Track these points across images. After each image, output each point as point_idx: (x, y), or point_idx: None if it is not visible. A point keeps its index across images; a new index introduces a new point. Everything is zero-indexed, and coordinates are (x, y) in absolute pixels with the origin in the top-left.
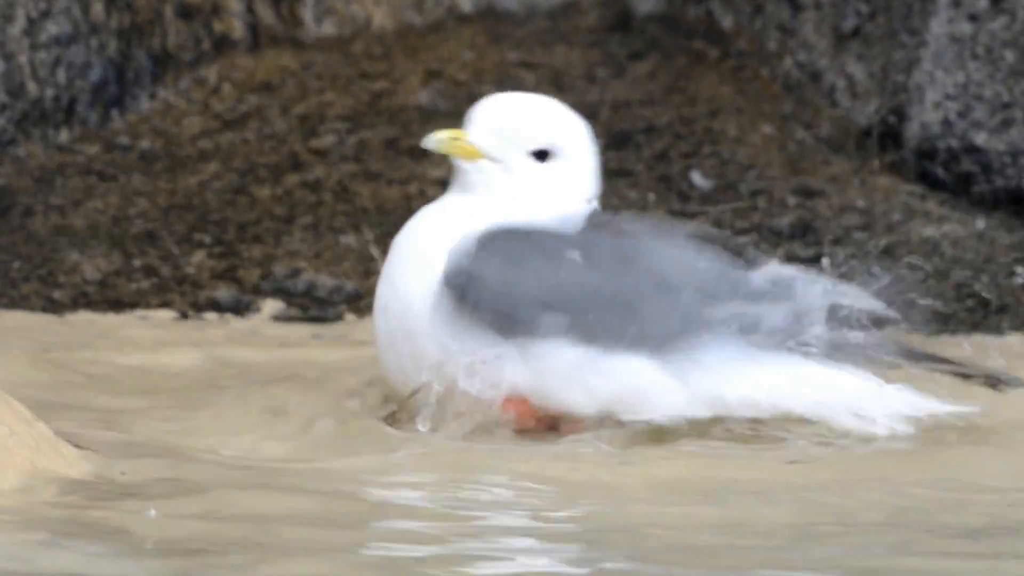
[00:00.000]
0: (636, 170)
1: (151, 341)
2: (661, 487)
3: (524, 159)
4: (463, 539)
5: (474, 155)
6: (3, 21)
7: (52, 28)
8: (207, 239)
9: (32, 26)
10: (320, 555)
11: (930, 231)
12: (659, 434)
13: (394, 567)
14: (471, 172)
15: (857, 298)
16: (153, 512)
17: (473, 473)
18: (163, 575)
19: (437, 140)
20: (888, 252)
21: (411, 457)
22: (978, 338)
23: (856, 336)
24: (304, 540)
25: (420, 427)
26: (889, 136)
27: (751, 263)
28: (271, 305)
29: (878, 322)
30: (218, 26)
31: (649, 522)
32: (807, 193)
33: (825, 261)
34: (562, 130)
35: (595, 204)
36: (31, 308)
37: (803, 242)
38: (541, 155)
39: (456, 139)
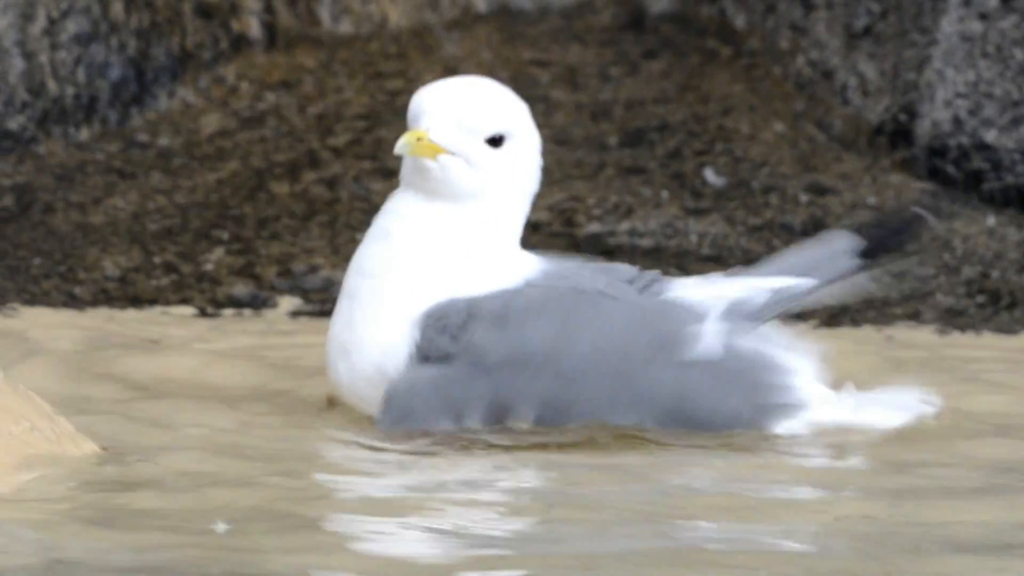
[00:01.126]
0: (649, 167)
1: (172, 337)
2: None
3: (483, 148)
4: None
5: (438, 152)
6: (24, 20)
7: (72, 27)
8: (225, 236)
9: (52, 25)
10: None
11: (940, 228)
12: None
13: None
14: (434, 170)
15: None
16: (222, 526)
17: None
18: (180, 565)
19: (404, 145)
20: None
21: None
22: (988, 336)
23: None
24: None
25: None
26: (900, 134)
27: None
28: (288, 301)
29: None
30: (236, 25)
31: None
32: (819, 190)
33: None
34: (511, 112)
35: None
36: (52, 304)
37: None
38: (496, 141)
39: (420, 139)
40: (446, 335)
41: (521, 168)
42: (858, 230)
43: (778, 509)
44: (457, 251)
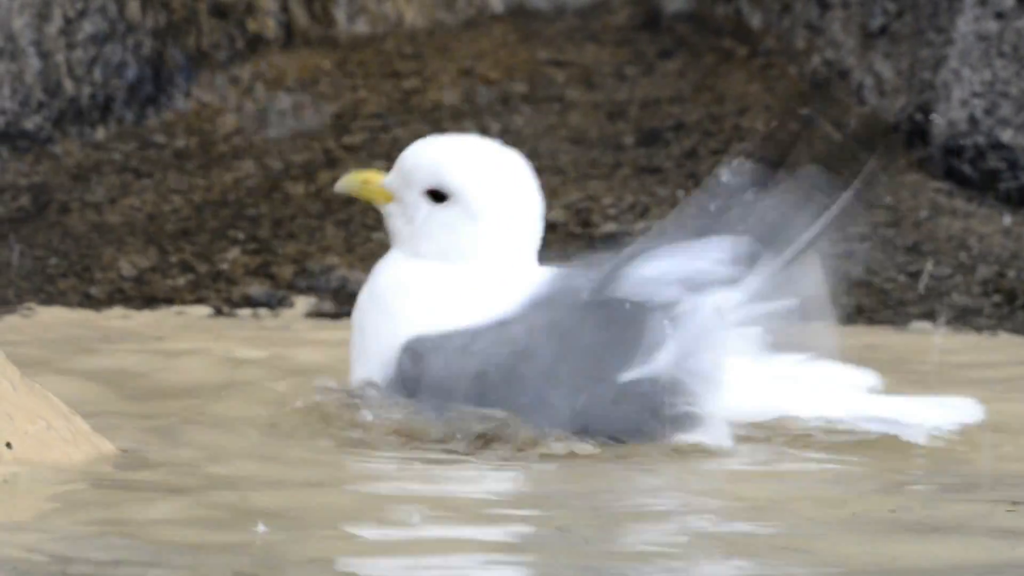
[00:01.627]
0: (665, 167)
1: (186, 337)
2: None
3: (421, 200)
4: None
5: (384, 197)
6: (40, 20)
7: (88, 27)
8: (241, 236)
9: (69, 25)
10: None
11: (957, 227)
12: None
13: None
14: (386, 216)
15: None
16: (263, 527)
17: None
18: (200, 566)
19: (346, 182)
20: (915, 248)
21: None
22: (1005, 336)
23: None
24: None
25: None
26: (916, 133)
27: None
28: (304, 301)
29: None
30: (252, 25)
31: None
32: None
33: None
34: (459, 171)
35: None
36: (68, 304)
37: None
38: (438, 197)
39: (367, 181)
40: (411, 364)
41: (475, 233)
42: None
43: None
44: (434, 293)
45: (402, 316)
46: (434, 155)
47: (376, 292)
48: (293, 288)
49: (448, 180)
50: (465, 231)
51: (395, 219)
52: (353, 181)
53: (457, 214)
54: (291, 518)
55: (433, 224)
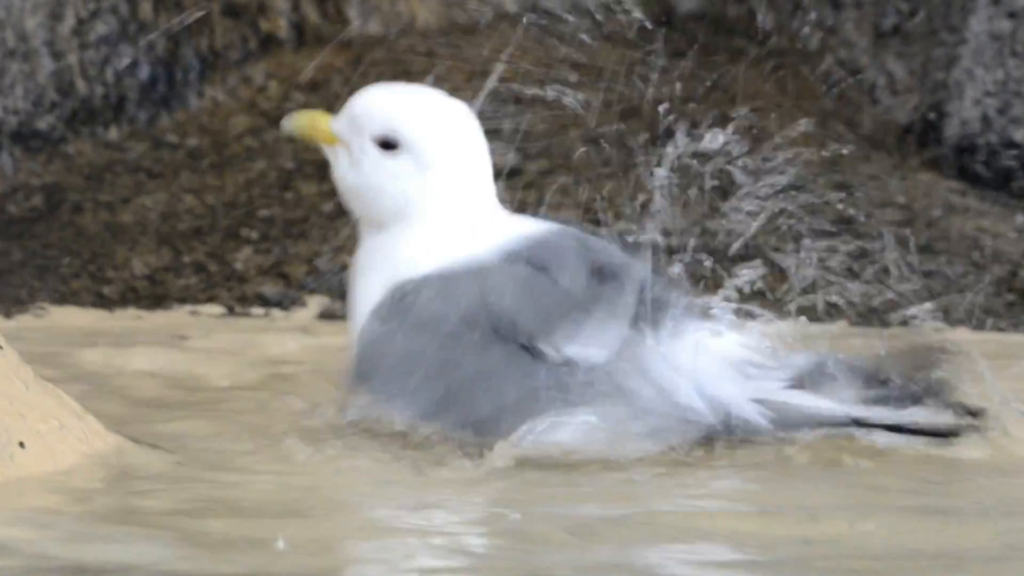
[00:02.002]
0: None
1: (200, 336)
2: None
3: (371, 148)
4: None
5: (330, 139)
6: (53, 21)
7: (101, 28)
8: (254, 235)
9: (81, 26)
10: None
11: (970, 226)
12: None
13: None
14: (330, 158)
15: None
16: (282, 543)
17: None
18: (216, 566)
19: (293, 123)
20: (928, 247)
21: None
22: (1017, 336)
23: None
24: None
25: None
26: (929, 132)
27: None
28: (317, 301)
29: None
30: (264, 25)
31: None
32: (848, 189)
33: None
34: (412, 121)
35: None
36: (81, 304)
37: (844, 238)
38: (388, 145)
39: (314, 123)
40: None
41: (418, 180)
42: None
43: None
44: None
45: (383, 269)
46: (386, 104)
47: (356, 262)
48: (305, 288)
49: (400, 130)
50: (415, 181)
51: (340, 163)
52: (300, 122)
53: (407, 163)
54: (307, 519)
55: (381, 172)
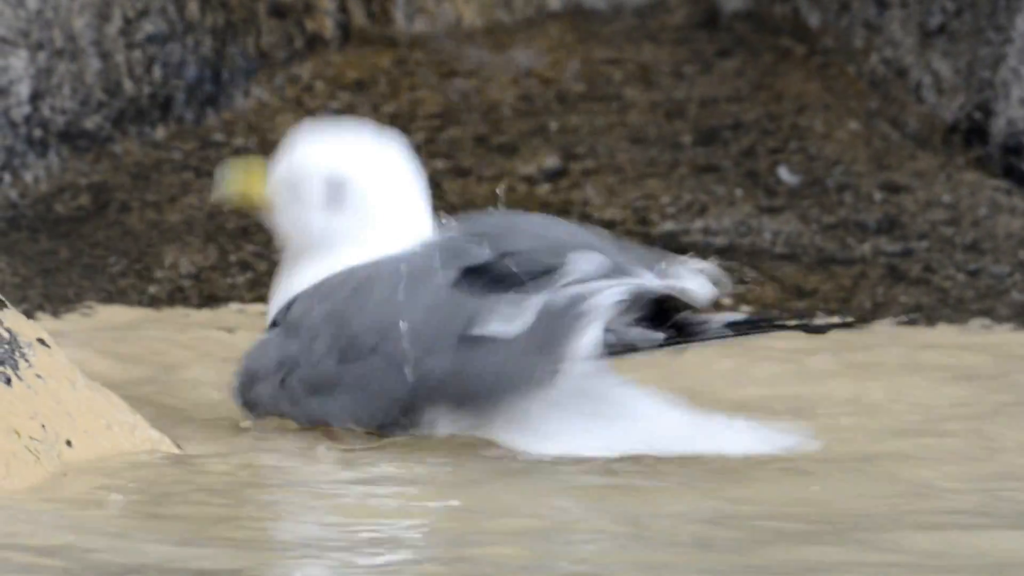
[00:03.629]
0: (724, 166)
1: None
2: None
3: (310, 207)
4: None
5: (267, 206)
6: (100, 21)
7: (148, 27)
8: None
9: (128, 26)
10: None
11: (1016, 225)
12: None
13: None
14: (272, 226)
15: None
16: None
17: None
18: (262, 570)
19: (226, 187)
20: (974, 246)
21: None
22: None
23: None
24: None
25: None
26: (975, 132)
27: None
28: None
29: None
30: (311, 25)
31: None
32: (893, 188)
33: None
34: (351, 164)
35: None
36: (128, 303)
37: (889, 237)
38: (330, 198)
39: (246, 189)
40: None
41: (359, 221)
42: None
43: None
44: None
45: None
46: (320, 154)
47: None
48: None
49: (344, 180)
50: (355, 223)
51: (281, 230)
52: (234, 188)
53: (358, 213)
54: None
55: (330, 229)
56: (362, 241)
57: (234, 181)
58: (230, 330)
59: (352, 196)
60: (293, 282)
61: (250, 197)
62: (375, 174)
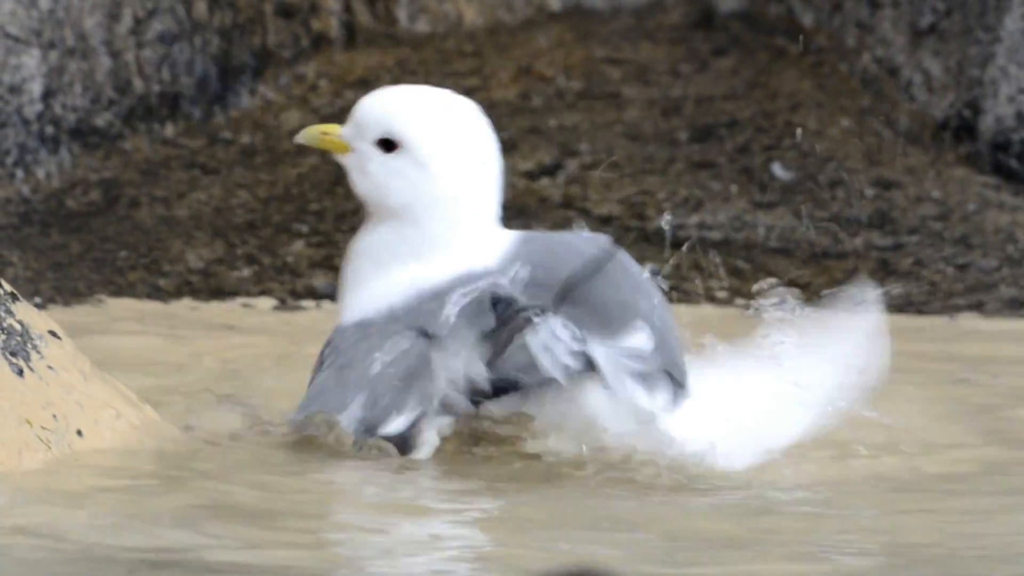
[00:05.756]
0: (719, 162)
1: (253, 327)
2: None
3: (373, 150)
4: None
5: (341, 148)
6: (110, 20)
7: (157, 27)
8: (305, 229)
9: (138, 25)
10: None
11: (1004, 221)
12: None
13: None
14: (345, 168)
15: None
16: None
17: None
18: (269, 559)
19: (306, 134)
20: (963, 241)
21: None
22: None
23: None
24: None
25: None
26: (964, 129)
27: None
28: None
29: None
30: (316, 24)
31: None
32: (884, 184)
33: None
34: (408, 118)
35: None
36: (137, 296)
37: (881, 232)
38: (387, 145)
39: (325, 133)
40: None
41: (418, 178)
42: None
43: None
44: (385, 265)
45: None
46: (384, 104)
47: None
48: None
49: (396, 128)
50: (415, 179)
51: (352, 170)
52: (312, 133)
53: (406, 162)
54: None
55: (385, 173)
56: (419, 201)
57: (313, 129)
58: (230, 327)
59: (406, 144)
60: (363, 292)
61: (328, 139)
62: (432, 126)
